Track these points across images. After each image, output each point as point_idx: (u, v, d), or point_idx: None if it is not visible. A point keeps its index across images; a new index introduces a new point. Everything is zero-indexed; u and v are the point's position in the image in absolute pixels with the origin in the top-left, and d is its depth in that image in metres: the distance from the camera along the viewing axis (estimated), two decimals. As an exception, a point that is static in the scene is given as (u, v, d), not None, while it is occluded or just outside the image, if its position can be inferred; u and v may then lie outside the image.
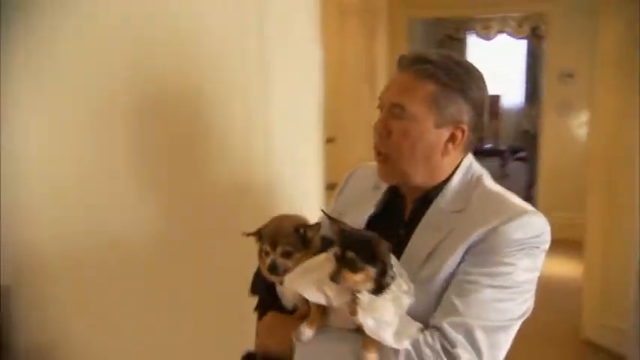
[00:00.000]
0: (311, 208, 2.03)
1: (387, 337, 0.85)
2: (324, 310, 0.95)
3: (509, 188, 1.02)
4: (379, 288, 0.87)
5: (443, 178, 1.02)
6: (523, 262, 0.92)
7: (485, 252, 0.91)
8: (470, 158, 1.05)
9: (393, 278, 0.89)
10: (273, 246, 0.99)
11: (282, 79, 1.71)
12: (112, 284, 1.29)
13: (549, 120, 5.49)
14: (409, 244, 0.99)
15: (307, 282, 0.94)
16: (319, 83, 2.07)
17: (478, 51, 9.55)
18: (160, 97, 1.38)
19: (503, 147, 8.63)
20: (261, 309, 1.09)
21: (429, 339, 0.87)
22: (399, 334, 0.87)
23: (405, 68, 1.00)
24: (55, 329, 1.23)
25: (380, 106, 1.02)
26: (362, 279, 0.86)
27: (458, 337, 0.86)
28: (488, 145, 8.73)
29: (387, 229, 1.00)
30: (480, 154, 8.68)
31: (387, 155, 1.02)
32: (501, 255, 0.91)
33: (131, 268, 1.33)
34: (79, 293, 1.27)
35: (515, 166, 8.03)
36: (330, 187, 2.68)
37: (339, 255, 0.87)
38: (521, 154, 8.23)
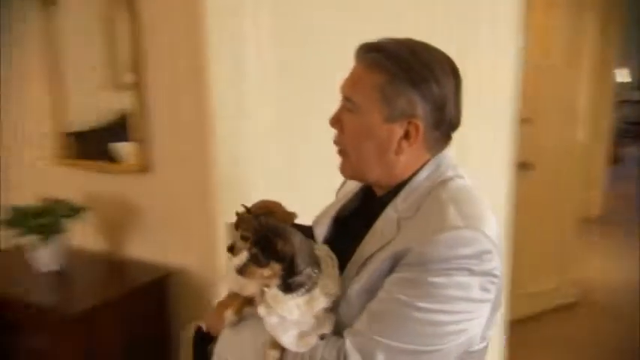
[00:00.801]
0: (500, 186, 2.14)
1: (285, 338, 0.83)
2: (251, 300, 0.95)
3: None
4: (287, 285, 0.83)
5: (401, 178, 0.92)
6: (450, 284, 0.79)
7: (409, 266, 0.81)
8: (440, 159, 0.93)
9: (310, 277, 0.84)
10: (236, 228, 1.03)
11: (477, 61, 1.73)
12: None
13: None
14: (358, 248, 0.91)
15: (230, 269, 0.95)
16: (517, 65, 2.09)
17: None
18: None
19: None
20: None
21: (327, 349, 0.82)
22: (303, 337, 0.83)
23: (358, 57, 0.91)
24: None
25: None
26: (269, 274, 0.83)
27: (354, 354, 0.79)
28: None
29: (353, 230, 0.97)
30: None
31: (344, 151, 0.95)
32: (425, 272, 0.79)
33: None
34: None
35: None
36: (521, 166, 2.75)
37: (249, 249, 0.85)
38: None
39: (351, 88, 0.91)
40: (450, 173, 0.92)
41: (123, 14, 1.75)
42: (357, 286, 0.86)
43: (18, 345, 1.71)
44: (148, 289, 1.84)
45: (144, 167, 1.84)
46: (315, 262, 0.86)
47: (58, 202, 1.78)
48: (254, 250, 0.84)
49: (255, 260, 0.83)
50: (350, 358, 0.79)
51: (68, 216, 1.76)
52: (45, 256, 1.76)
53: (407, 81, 0.86)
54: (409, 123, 0.87)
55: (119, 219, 1.96)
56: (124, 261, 1.98)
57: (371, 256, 0.86)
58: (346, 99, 0.91)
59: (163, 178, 1.84)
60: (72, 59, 1.93)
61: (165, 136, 1.81)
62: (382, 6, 1.53)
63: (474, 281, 0.80)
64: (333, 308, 0.86)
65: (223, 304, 1.04)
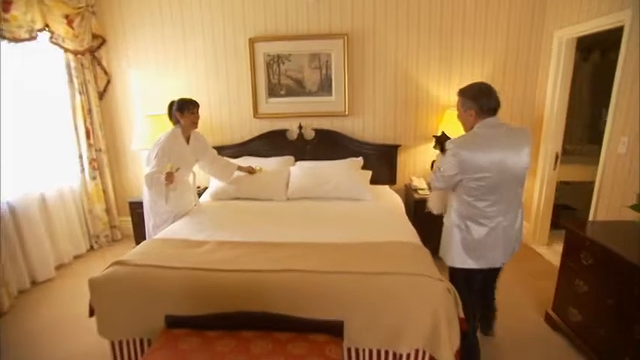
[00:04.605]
0: None
1: (435, 166, 2.74)
2: None
3: None
4: (441, 152, 2.67)
5: (470, 129, 2.52)
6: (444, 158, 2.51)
7: None
8: (479, 124, 2.46)
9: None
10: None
11: None
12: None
13: None
14: None
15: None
16: None
17: None
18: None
19: None
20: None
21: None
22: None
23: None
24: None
25: None
26: (437, 148, 2.76)
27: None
28: None
29: None
30: None
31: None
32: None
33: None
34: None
35: None
36: None
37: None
38: None
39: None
40: (476, 128, 2.47)
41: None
42: None
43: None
44: None
45: None
46: None
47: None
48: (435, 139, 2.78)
49: (436, 142, 2.77)
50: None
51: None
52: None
53: (469, 98, 2.48)
54: (470, 112, 2.49)
55: None
56: None
57: None
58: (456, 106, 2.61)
59: None
60: None
61: None
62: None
63: (449, 157, 2.46)
64: None
65: None
